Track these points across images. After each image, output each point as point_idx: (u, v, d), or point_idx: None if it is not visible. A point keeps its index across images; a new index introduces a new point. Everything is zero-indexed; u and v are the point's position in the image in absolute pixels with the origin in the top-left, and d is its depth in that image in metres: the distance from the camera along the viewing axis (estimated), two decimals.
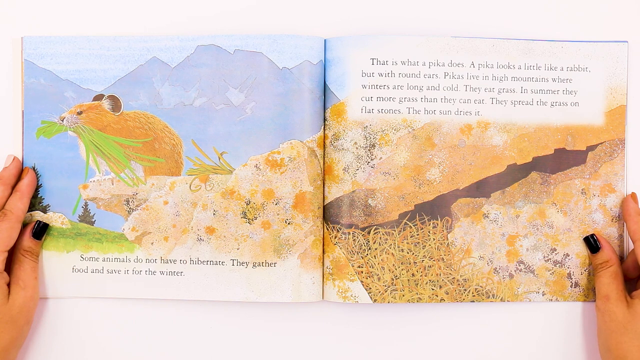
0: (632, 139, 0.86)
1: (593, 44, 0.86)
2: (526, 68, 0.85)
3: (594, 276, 0.84)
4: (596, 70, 0.86)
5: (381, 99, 0.83)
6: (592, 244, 0.85)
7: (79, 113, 0.84)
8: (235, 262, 0.84)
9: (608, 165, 0.85)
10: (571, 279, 0.85)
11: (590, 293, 0.86)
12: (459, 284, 0.85)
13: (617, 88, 0.85)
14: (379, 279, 0.84)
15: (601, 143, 0.85)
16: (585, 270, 0.85)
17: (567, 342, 0.87)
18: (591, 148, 0.85)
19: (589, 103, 0.85)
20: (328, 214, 0.84)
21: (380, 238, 0.84)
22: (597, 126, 0.85)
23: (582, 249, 0.85)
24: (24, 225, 0.83)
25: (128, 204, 0.85)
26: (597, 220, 0.86)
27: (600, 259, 0.84)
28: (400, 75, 0.84)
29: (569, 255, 0.85)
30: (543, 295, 0.85)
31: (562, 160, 0.85)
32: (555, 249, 0.85)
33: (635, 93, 0.86)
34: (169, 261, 0.84)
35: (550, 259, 0.85)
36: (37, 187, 0.84)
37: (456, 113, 0.84)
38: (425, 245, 0.84)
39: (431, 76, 0.84)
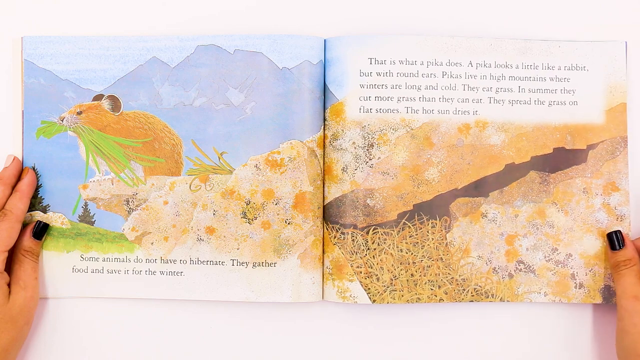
0: (635, 137, 0.86)
1: (591, 43, 0.86)
2: (524, 67, 0.85)
3: (614, 275, 0.82)
4: (595, 69, 0.85)
5: (379, 98, 0.83)
6: (614, 240, 0.83)
7: (79, 113, 0.85)
8: (235, 262, 0.84)
9: (610, 163, 0.85)
10: (575, 279, 0.85)
11: (596, 294, 0.84)
12: (457, 284, 0.84)
13: (617, 86, 0.85)
14: (378, 279, 0.83)
15: (602, 141, 0.85)
16: (590, 271, 0.85)
17: (569, 343, 0.86)
18: (592, 147, 0.85)
19: (588, 101, 0.85)
20: (328, 214, 0.84)
21: (379, 238, 0.84)
22: (597, 124, 0.85)
23: (585, 249, 0.85)
24: (24, 225, 0.84)
25: (128, 204, 0.85)
26: (600, 220, 0.85)
27: (623, 256, 0.82)
28: (399, 74, 0.84)
29: (571, 256, 0.85)
30: (545, 295, 0.85)
31: (561, 159, 0.85)
32: (556, 249, 0.85)
33: (636, 91, 0.86)
34: (169, 261, 0.84)
35: (551, 259, 0.85)
36: (37, 187, 0.84)
37: (454, 112, 0.84)
38: (424, 245, 0.84)
39: (429, 76, 0.84)
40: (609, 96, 0.85)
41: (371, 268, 0.83)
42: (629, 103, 0.86)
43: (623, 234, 0.84)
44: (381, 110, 0.83)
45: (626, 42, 0.86)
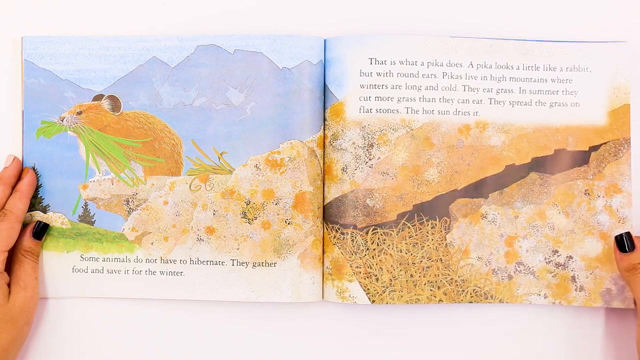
0: (638, 138, 0.85)
1: (594, 44, 0.85)
2: (524, 68, 0.84)
3: (630, 277, 0.81)
4: (597, 70, 0.85)
5: (379, 98, 0.83)
6: (624, 243, 0.82)
7: (79, 113, 0.85)
8: (235, 262, 0.84)
9: (613, 165, 0.84)
10: (575, 282, 0.84)
11: (597, 298, 0.84)
12: (457, 285, 0.84)
13: (621, 87, 0.85)
14: (377, 279, 0.83)
15: (604, 143, 0.85)
16: (591, 274, 0.84)
17: (569, 346, 0.86)
18: (594, 148, 0.85)
19: (590, 103, 0.85)
20: (327, 214, 0.84)
21: (378, 238, 0.84)
22: (599, 126, 0.85)
23: (587, 252, 0.84)
24: (24, 225, 0.84)
25: (128, 204, 0.85)
26: (602, 222, 0.84)
27: (637, 259, 0.80)
28: (399, 75, 0.83)
29: (572, 258, 0.84)
30: (545, 297, 0.84)
31: (562, 160, 0.85)
32: (557, 251, 0.84)
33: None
34: (169, 261, 0.84)
35: (551, 260, 0.84)
36: (37, 187, 0.84)
37: (454, 113, 0.84)
38: (423, 246, 0.84)
39: (429, 76, 0.84)
40: (612, 97, 0.85)
41: (370, 268, 0.83)
42: (632, 104, 0.85)
43: (634, 236, 0.82)
44: (381, 111, 0.83)
45: (630, 43, 0.85)
